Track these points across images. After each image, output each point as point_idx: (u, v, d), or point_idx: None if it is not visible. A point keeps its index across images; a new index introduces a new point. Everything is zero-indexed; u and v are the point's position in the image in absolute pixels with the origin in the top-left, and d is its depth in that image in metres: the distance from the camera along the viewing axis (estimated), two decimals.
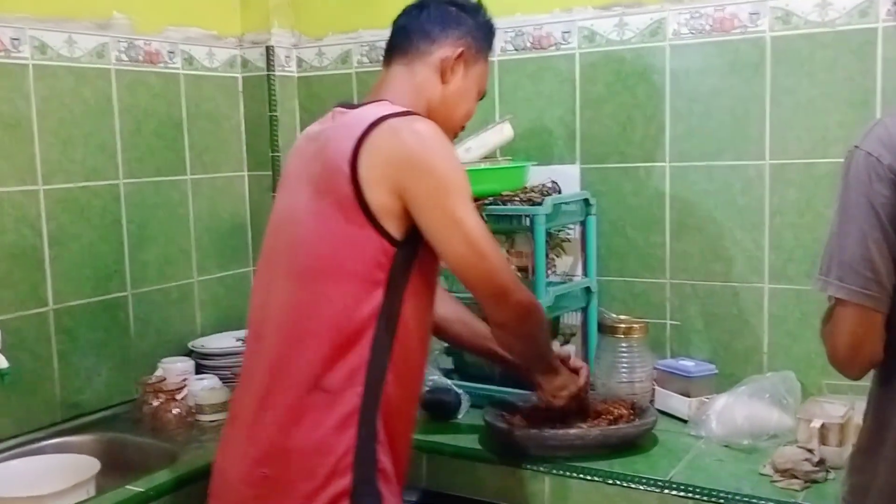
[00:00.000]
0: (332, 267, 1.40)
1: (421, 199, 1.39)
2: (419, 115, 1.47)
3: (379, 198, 1.38)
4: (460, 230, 1.40)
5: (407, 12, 1.64)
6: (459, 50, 1.59)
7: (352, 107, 1.53)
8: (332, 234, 1.41)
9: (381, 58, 1.65)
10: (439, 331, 1.75)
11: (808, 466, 1.56)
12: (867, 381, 1.31)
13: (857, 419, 1.35)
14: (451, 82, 1.59)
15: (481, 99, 1.69)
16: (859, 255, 1.21)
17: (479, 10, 1.66)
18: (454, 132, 1.66)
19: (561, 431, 1.71)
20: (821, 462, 1.57)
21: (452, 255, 1.42)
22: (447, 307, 1.77)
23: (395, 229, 1.40)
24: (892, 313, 1.23)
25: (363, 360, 1.40)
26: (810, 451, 1.59)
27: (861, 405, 1.34)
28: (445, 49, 1.58)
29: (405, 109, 1.46)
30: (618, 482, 1.63)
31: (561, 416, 1.75)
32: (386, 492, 1.43)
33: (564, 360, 1.74)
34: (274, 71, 2.56)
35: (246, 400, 1.49)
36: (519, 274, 2.09)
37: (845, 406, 1.66)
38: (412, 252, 1.43)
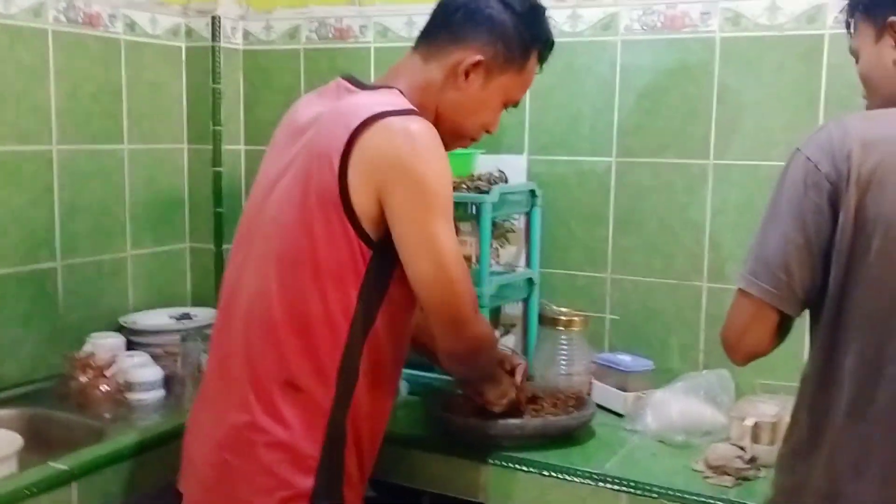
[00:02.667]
0: (309, 260, 1.36)
1: (398, 206, 1.34)
2: (420, 115, 1.39)
3: (361, 197, 1.34)
4: (431, 247, 1.35)
5: None
6: (477, 58, 1.47)
7: (359, 86, 1.46)
8: (312, 227, 1.36)
9: (330, 35, 1.60)
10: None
11: (739, 464, 1.59)
12: (797, 382, 1.34)
13: (789, 418, 1.37)
14: (465, 89, 1.48)
15: (513, 106, 1.59)
16: (777, 256, 1.24)
17: (526, 13, 1.51)
18: (465, 139, 1.56)
19: (500, 421, 1.71)
20: (752, 460, 1.60)
21: (417, 272, 1.37)
22: None
23: (373, 231, 1.36)
24: (822, 316, 1.26)
25: (335, 361, 1.37)
26: (742, 448, 1.62)
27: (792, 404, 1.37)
28: (466, 53, 1.47)
29: (408, 107, 1.39)
30: (553, 473, 1.63)
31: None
32: (349, 497, 1.41)
33: (502, 363, 1.68)
34: (219, 42, 2.49)
35: (216, 381, 1.47)
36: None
37: (778, 405, 1.69)
38: (390, 262, 1.38)
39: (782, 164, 1.29)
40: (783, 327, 1.30)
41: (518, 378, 1.69)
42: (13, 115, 2.06)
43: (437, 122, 1.46)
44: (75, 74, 2.20)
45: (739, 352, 1.32)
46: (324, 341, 1.37)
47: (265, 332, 1.39)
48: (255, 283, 1.42)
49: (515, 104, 1.58)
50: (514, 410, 1.72)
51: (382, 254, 1.37)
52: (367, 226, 1.35)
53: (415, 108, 1.41)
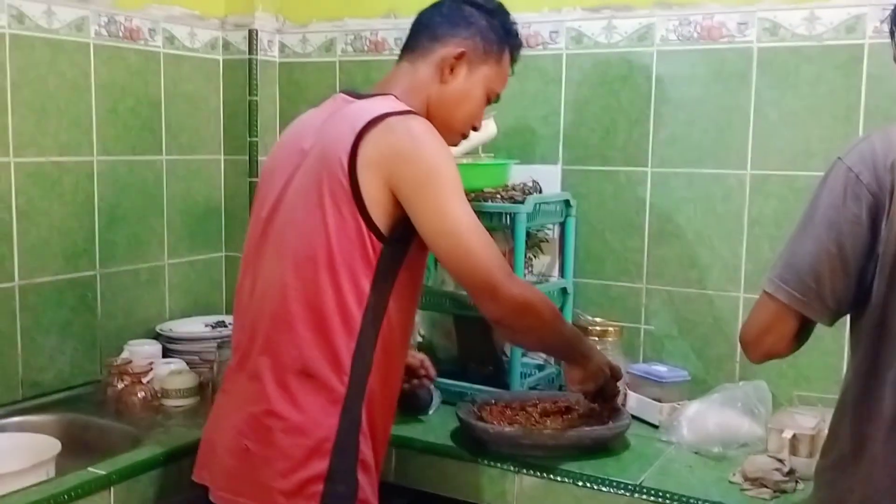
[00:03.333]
0: (324, 255, 1.42)
1: (409, 190, 1.40)
2: (417, 114, 1.48)
3: (372, 192, 1.40)
4: (446, 223, 1.40)
5: (425, 10, 1.64)
6: (460, 50, 1.57)
7: (357, 96, 1.54)
8: (325, 223, 1.42)
9: (365, 48, 1.65)
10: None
11: (777, 476, 1.57)
12: (836, 394, 1.32)
13: (827, 431, 1.35)
14: (450, 82, 1.58)
15: (494, 102, 1.67)
16: (808, 263, 1.24)
17: (495, 10, 1.64)
18: (456, 134, 1.64)
19: (534, 430, 1.70)
20: (791, 472, 1.58)
21: (438, 249, 1.43)
22: None
23: (384, 225, 1.41)
24: (864, 328, 1.24)
25: (350, 350, 1.43)
26: (781, 460, 1.60)
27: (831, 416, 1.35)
28: (448, 48, 1.58)
29: (406, 108, 1.47)
30: (588, 484, 1.62)
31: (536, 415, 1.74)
32: (364, 481, 1.45)
33: (608, 366, 1.70)
34: (256, 55, 2.52)
35: (237, 374, 1.53)
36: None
37: (816, 417, 1.66)
38: (401, 251, 1.45)
39: (820, 174, 1.28)
40: (804, 332, 1.29)
41: (614, 384, 1.72)
42: (55, 127, 2.10)
43: (429, 118, 1.53)
44: (116, 87, 2.24)
45: (756, 351, 1.33)
46: (338, 331, 1.42)
47: (282, 326, 1.45)
48: (272, 282, 1.49)
49: (497, 97, 1.67)
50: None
51: (393, 246, 1.43)
52: (378, 220, 1.41)
53: (412, 109, 1.49)
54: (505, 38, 1.63)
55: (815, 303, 1.24)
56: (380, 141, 1.41)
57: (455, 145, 1.67)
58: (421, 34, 1.61)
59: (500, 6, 1.66)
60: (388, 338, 1.47)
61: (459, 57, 1.57)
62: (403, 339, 1.54)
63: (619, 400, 1.91)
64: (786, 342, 1.29)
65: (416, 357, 1.86)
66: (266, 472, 1.43)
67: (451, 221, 1.41)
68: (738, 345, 1.98)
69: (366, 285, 1.42)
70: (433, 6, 1.64)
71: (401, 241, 1.44)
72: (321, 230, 1.42)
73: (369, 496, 1.46)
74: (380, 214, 1.41)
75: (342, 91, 1.59)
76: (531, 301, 1.48)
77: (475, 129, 1.67)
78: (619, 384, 1.77)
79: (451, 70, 1.58)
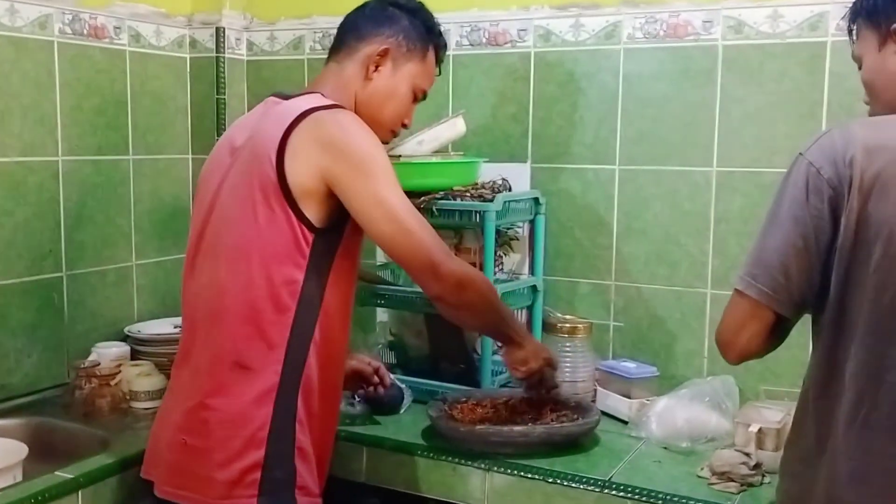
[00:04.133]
0: (253, 248, 1.47)
1: (343, 180, 1.45)
2: (344, 108, 1.54)
3: (301, 184, 1.44)
4: (382, 208, 1.45)
5: (350, 12, 1.70)
6: (383, 47, 1.62)
7: (285, 97, 1.58)
8: (255, 216, 1.47)
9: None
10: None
11: (744, 470, 1.59)
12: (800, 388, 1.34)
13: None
14: (375, 79, 1.63)
15: (421, 100, 1.71)
16: (776, 259, 1.25)
17: (417, 10, 1.70)
18: (385, 130, 1.68)
19: (504, 428, 1.71)
20: (757, 466, 1.60)
21: (378, 234, 1.48)
22: None
23: (315, 216, 1.46)
24: (823, 321, 1.26)
25: (283, 340, 1.47)
26: (747, 454, 1.62)
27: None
28: (372, 46, 1.63)
29: (332, 103, 1.53)
30: (558, 481, 1.63)
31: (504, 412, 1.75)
32: (302, 469, 1.49)
33: (544, 353, 1.74)
34: (223, 53, 2.50)
35: (180, 370, 1.58)
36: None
37: (782, 411, 1.69)
38: (335, 240, 1.49)
39: (785, 170, 1.30)
40: (779, 330, 1.30)
41: (550, 363, 1.74)
42: (19, 126, 2.07)
43: (357, 114, 1.58)
44: (80, 86, 2.22)
45: (733, 351, 1.33)
46: (271, 323, 1.46)
47: (217, 320, 1.50)
48: (208, 279, 1.53)
49: (424, 95, 1.71)
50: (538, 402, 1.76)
51: (325, 236, 1.47)
52: (309, 212, 1.45)
53: (339, 104, 1.55)
54: (427, 37, 1.69)
55: (785, 297, 1.26)
56: (308, 134, 1.45)
57: (385, 142, 1.70)
58: (347, 34, 1.67)
59: (422, 6, 1.71)
60: (326, 326, 1.51)
61: (383, 54, 1.62)
62: (342, 327, 1.57)
63: (589, 397, 1.92)
64: (760, 340, 1.30)
65: (371, 365, 1.87)
66: (205, 464, 1.47)
67: (389, 206, 1.45)
68: (706, 341, 2.04)
69: (299, 276, 1.46)
70: (358, 8, 1.70)
71: (333, 230, 1.48)
72: (252, 224, 1.47)
73: (308, 483, 1.50)
74: (310, 205, 1.45)
75: (272, 94, 1.62)
76: (471, 277, 1.53)
77: (405, 125, 1.71)
78: (588, 381, 1.79)
79: (376, 67, 1.63)
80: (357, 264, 1.60)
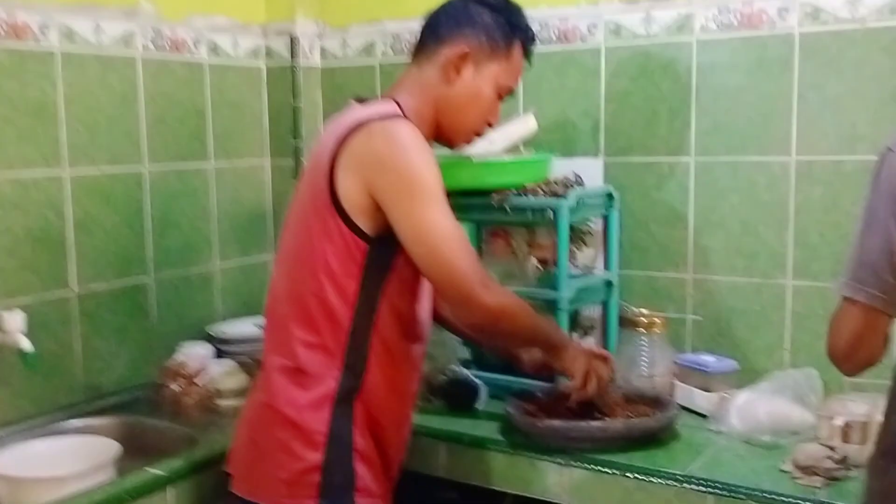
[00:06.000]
0: (308, 258, 1.49)
1: (386, 196, 1.44)
2: (404, 117, 1.51)
3: (351, 196, 1.44)
4: (421, 232, 1.43)
5: (430, 11, 1.65)
6: (463, 50, 1.57)
7: (361, 102, 1.58)
8: (310, 227, 1.49)
9: (405, 49, 1.66)
10: (448, 324, 1.81)
11: (829, 464, 1.55)
12: (889, 380, 1.30)
13: (880, 417, 1.33)
14: (456, 83, 1.58)
15: (508, 97, 1.66)
16: (882, 259, 1.21)
17: (501, 5, 1.63)
18: (468, 133, 1.64)
19: (583, 423, 1.70)
20: (843, 460, 1.56)
21: (415, 258, 1.46)
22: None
23: (368, 227, 1.46)
24: None
25: (341, 346, 1.49)
26: (832, 448, 1.58)
27: (883, 403, 1.33)
28: (452, 48, 1.57)
29: (392, 113, 1.50)
30: (637, 475, 1.62)
31: (581, 407, 1.74)
32: (362, 472, 1.50)
33: (589, 354, 1.71)
34: (298, 61, 2.56)
35: (258, 371, 1.62)
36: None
37: (868, 404, 1.64)
38: (390, 250, 1.48)
39: (868, 158, 1.27)
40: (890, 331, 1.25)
41: (606, 364, 1.71)
42: (107, 139, 2.16)
43: (438, 119, 1.58)
44: (163, 99, 2.30)
45: (852, 363, 1.27)
46: (327, 330, 1.48)
47: (280, 326, 1.54)
48: (276, 284, 1.59)
49: (510, 93, 1.66)
50: (602, 404, 1.73)
51: (380, 246, 1.47)
52: (361, 222, 1.45)
53: (399, 113, 1.52)
54: (512, 33, 1.62)
55: (893, 296, 1.21)
56: (358, 147, 1.44)
57: (469, 144, 1.69)
58: (427, 36, 1.62)
59: (506, 1, 1.64)
60: (385, 335, 1.51)
61: (464, 57, 1.57)
62: (406, 337, 1.56)
63: (667, 391, 1.90)
64: (881, 347, 1.25)
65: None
66: (269, 464, 1.50)
67: (426, 230, 1.43)
68: (787, 333, 2.00)
69: (352, 285, 1.47)
70: (439, 7, 1.64)
71: (388, 241, 1.46)
72: (306, 233, 1.49)
73: (370, 485, 1.52)
74: (362, 217, 1.45)
75: (354, 98, 1.62)
76: (505, 309, 1.50)
77: (490, 125, 1.66)
78: (666, 375, 1.75)
79: (457, 70, 1.57)
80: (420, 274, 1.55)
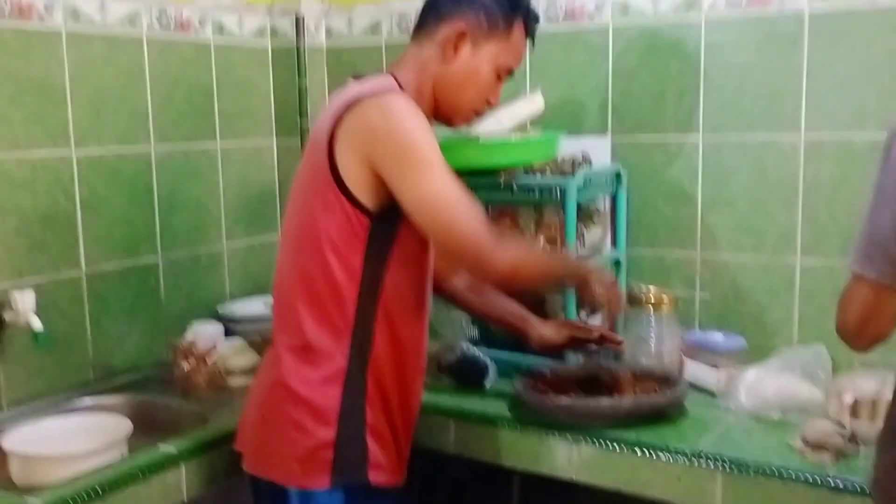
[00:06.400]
0: (312, 235, 1.49)
1: (386, 168, 1.44)
2: (398, 91, 1.51)
3: (351, 170, 1.45)
4: (424, 200, 1.44)
5: None
6: (460, 28, 1.56)
7: (359, 79, 1.58)
8: (313, 204, 1.49)
9: (411, 29, 1.66)
10: (454, 300, 1.84)
11: (839, 440, 1.55)
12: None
13: (889, 394, 1.34)
14: (454, 62, 1.58)
15: (507, 77, 1.65)
16: (891, 235, 1.20)
17: None
18: (466, 112, 1.64)
19: (592, 400, 1.71)
20: (852, 436, 1.56)
21: (421, 226, 1.47)
22: (459, 277, 1.83)
23: (369, 201, 1.46)
24: None
25: (348, 323, 1.50)
26: (842, 425, 1.58)
27: (893, 380, 1.33)
28: (451, 26, 1.57)
29: (389, 87, 1.51)
30: (646, 452, 1.62)
31: (590, 384, 1.75)
32: (374, 447, 1.52)
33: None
34: (303, 40, 2.55)
35: (267, 350, 1.63)
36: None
37: (877, 380, 1.64)
38: (392, 224, 1.48)
39: (877, 136, 1.26)
40: None
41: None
42: (113, 119, 2.16)
43: (437, 97, 1.59)
44: (169, 78, 2.30)
45: (862, 339, 1.27)
46: (334, 306, 1.49)
47: (287, 304, 1.55)
48: (281, 262, 1.59)
49: (511, 73, 1.64)
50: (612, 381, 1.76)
51: (382, 220, 1.47)
52: (362, 197, 1.45)
53: (395, 88, 1.52)
54: (512, 13, 1.61)
55: None
56: (354, 122, 1.45)
57: (468, 122, 1.68)
58: (428, 14, 1.62)
59: None
60: (390, 309, 1.52)
61: (461, 35, 1.57)
62: (410, 310, 1.57)
63: (676, 369, 1.90)
64: (890, 322, 1.25)
65: (587, 328, 1.87)
66: (281, 442, 1.51)
67: (429, 199, 1.43)
68: (796, 310, 2.01)
69: (356, 261, 1.48)
70: None
71: (391, 214, 1.47)
72: (309, 212, 1.50)
73: (382, 460, 1.53)
74: (363, 192, 1.45)
75: (352, 76, 1.61)
76: (519, 264, 1.50)
77: (490, 104, 1.65)
78: (675, 353, 1.75)
79: (455, 49, 1.57)
80: (425, 247, 1.58)
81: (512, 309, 1.85)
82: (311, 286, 1.50)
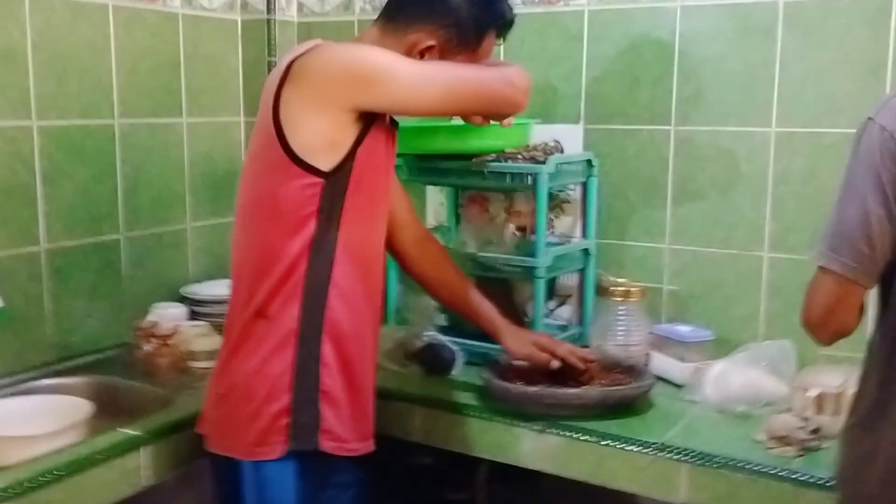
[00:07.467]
0: (263, 201, 1.49)
1: (355, 98, 1.43)
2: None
3: (301, 131, 1.43)
4: (423, 86, 1.46)
5: None
6: (430, 42, 1.53)
7: None
8: (263, 174, 1.49)
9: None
10: (427, 287, 1.85)
11: (802, 434, 1.57)
12: (862, 353, 1.32)
13: (853, 389, 1.35)
14: None
15: None
16: (858, 229, 1.21)
17: None
18: None
19: (559, 390, 1.72)
20: (816, 430, 1.58)
21: (427, 106, 1.52)
22: (429, 267, 1.82)
23: (321, 162, 1.44)
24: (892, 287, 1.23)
25: (298, 285, 1.48)
26: (806, 419, 1.60)
27: (857, 375, 1.34)
28: (419, 35, 1.53)
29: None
30: (612, 443, 1.63)
31: (558, 375, 1.75)
32: (328, 413, 1.50)
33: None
34: (274, 15, 2.50)
35: (224, 332, 1.61)
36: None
37: (841, 376, 1.66)
38: (343, 182, 1.47)
39: (848, 131, 1.26)
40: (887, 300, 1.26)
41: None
42: (76, 89, 2.10)
43: None
44: (135, 49, 2.23)
45: (826, 332, 1.28)
46: (286, 270, 1.47)
47: (240, 278, 1.54)
48: (235, 239, 1.59)
49: None
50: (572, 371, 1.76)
51: (333, 180, 1.46)
52: (313, 158, 1.44)
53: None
54: (485, 26, 1.57)
55: (871, 268, 1.22)
56: (295, 77, 1.43)
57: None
58: (399, 10, 1.56)
59: None
60: (346, 270, 1.50)
61: (429, 49, 1.53)
62: (366, 267, 1.55)
63: (643, 360, 1.91)
64: (854, 317, 1.26)
65: (583, 359, 1.79)
66: (238, 415, 1.50)
67: (426, 82, 1.47)
68: (763, 304, 2.02)
69: (310, 223, 1.46)
70: None
71: (340, 172, 1.45)
72: (258, 177, 1.50)
73: (334, 427, 1.50)
74: (313, 152, 1.43)
75: None
76: (521, 73, 1.59)
77: None
78: (642, 344, 1.75)
79: (421, 56, 1.53)
80: (375, 204, 1.55)
81: (481, 310, 1.81)
82: (263, 253, 1.49)
